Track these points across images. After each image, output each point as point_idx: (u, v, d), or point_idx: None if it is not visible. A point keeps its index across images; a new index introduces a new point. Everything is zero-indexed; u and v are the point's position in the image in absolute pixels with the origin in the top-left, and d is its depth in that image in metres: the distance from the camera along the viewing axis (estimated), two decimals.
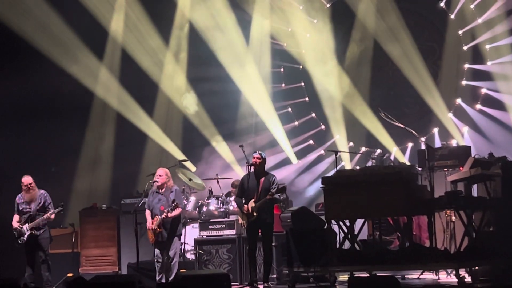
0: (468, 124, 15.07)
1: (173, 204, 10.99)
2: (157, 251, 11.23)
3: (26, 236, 11.50)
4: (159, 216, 11.05)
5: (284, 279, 11.36)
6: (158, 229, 11.05)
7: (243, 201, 10.97)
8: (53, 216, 11.61)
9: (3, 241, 12.67)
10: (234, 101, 16.02)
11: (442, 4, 15.32)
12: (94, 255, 13.65)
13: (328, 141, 16.03)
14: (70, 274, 12.71)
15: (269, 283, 10.92)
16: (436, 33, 15.59)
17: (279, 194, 10.91)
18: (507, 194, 10.20)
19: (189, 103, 14.37)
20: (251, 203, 10.82)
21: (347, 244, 10.62)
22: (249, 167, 10.98)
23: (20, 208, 11.69)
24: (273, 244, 11.21)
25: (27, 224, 11.53)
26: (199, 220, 12.77)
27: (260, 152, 11.07)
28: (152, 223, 11.11)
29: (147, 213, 11.29)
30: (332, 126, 15.93)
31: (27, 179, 11.70)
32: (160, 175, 11.28)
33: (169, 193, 11.21)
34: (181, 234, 11.55)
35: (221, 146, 15.77)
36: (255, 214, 10.78)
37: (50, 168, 15.66)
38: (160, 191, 11.27)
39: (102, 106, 15.91)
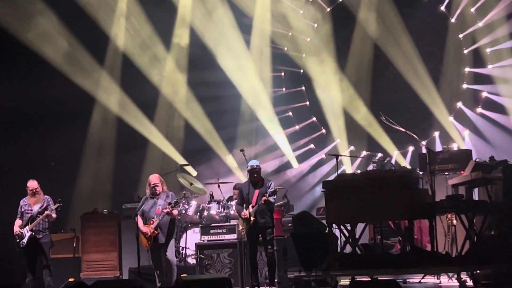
0: (469, 128, 15.07)
1: (174, 202, 10.99)
2: (152, 258, 11.19)
3: (26, 238, 11.44)
4: (156, 219, 11.03)
5: (285, 283, 11.34)
6: (155, 231, 11.03)
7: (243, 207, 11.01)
8: (54, 214, 11.55)
9: (5, 247, 12.66)
10: (235, 106, 16.02)
11: (442, 8, 15.33)
12: (95, 260, 13.61)
13: (329, 145, 16.03)
14: (71, 279, 12.69)
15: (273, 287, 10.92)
16: (437, 37, 15.60)
17: (274, 197, 10.91)
18: (508, 198, 10.21)
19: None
20: (249, 209, 10.87)
21: (348, 248, 10.61)
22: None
23: (22, 210, 11.65)
24: (274, 248, 11.20)
25: (27, 226, 11.50)
26: (200, 225, 12.76)
27: (256, 162, 11.14)
28: (148, 227, 11.08)
29: (139, 219, 11.18)
30: (333, 130, 15.94)
31: (32, 184, 11.65)
32: (156, 184, 11.23)
33: (165, 197, 11.18)
34: (172, 238, 11.40)
35: (225, 154, 15.77)
36: (252, 218, 10.83)
37: (50, 163, 15.67)
38: (155, 196, 11.24)
39: (103, 111, 15.91)
